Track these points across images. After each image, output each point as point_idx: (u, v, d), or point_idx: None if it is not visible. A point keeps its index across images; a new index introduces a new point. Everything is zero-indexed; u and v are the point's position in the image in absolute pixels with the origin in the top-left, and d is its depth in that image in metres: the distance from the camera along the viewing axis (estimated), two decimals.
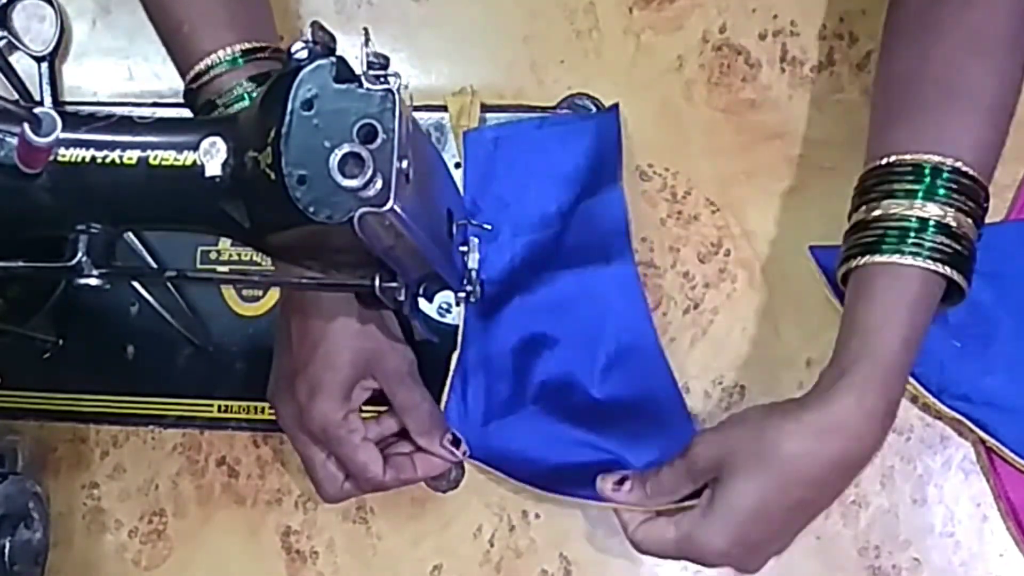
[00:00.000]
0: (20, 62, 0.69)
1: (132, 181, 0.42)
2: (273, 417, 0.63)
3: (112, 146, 0.42)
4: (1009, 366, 0.58)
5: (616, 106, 0.63)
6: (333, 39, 0.41)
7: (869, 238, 0.51)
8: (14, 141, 0.41)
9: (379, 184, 0.37)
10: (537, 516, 0.61)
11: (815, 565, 0.59)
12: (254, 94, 0.53)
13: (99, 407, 0.66)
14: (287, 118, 0.39)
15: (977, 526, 0.58)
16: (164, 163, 0.42)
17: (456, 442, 0.59)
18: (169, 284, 0.65)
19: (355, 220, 0.37)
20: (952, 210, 0.50)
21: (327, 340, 0.55)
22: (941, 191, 0.50)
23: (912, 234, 0.50)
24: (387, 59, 0.40)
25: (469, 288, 0.57)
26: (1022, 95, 0.53)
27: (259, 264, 0.65)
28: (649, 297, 0.61)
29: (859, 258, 0.51)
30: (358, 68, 0.39)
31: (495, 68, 0.66)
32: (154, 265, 0.65)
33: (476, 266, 0.56)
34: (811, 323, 0.61)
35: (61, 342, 0.66)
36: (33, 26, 0.70)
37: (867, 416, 0.49)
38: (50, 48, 0.68)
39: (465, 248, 0.56)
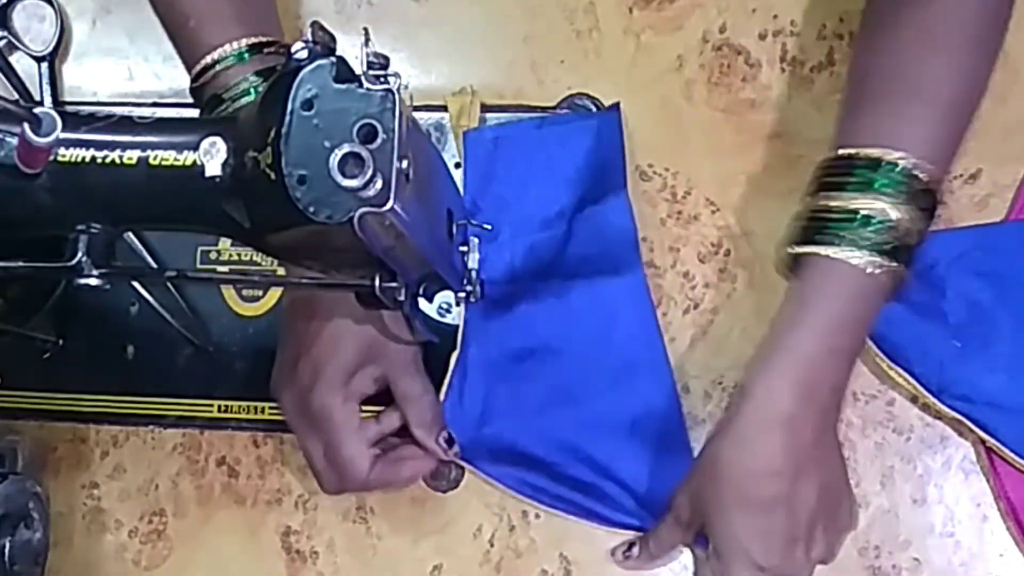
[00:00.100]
0: (20, 62, 0.69)
1: (132, 181, 0.42)
2: (273, 417, 0.63)
3: (112, 146, 0.42)
4: (1009, 366, 0.58)
5: (617, 105, 0.63)
6: (333, 39, 0.41)
7: (807, 227, 0.52)
8: (14, 141, 0.41)
9: (379, 184, 0.37)
10: (537, 516, 0.61)
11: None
12: (260, 88, 0.53)
13: (99, 407, 0.66)
14: (287, 118, 0.39)
15: (977, 526, 0.58)
16: (164, 163, 0.42)
17: (450, 441, 0.59)
18: (169, 284, 0.65)
19: (355, 220, 0.37)
20: (894, 204, 0.50)
21: (333, 323, 0.56)
22: (887, 186, 0.50)
23: (847, 226, 0.50)
24: (387, 59, 0.40)
25: (469, 288, 0.57)
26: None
27: (259, 264, 0.65)
28: None
29: (793, 246, 0.52)
30: (358, 68, 0.39)
31: (495, 68, 0.66)
32: (154, 265, 0.65)
33: (476, 266, 0.56)
34: None
35: (61, 342, 0.66)
36: (33, 26, 0.70)
37: (783, 405, 0.51)
38: (50, 48, 0.68)
39: (465, 248, 0.56)
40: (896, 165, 0.50)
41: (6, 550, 0.60)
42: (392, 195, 0.37)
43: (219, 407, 0.65)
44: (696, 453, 0.60)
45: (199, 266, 0.65)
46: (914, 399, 0.60)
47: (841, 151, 0.52)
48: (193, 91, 0.56)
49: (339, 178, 0.37)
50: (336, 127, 0.38)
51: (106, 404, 0.66)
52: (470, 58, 0.66)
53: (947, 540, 0.59)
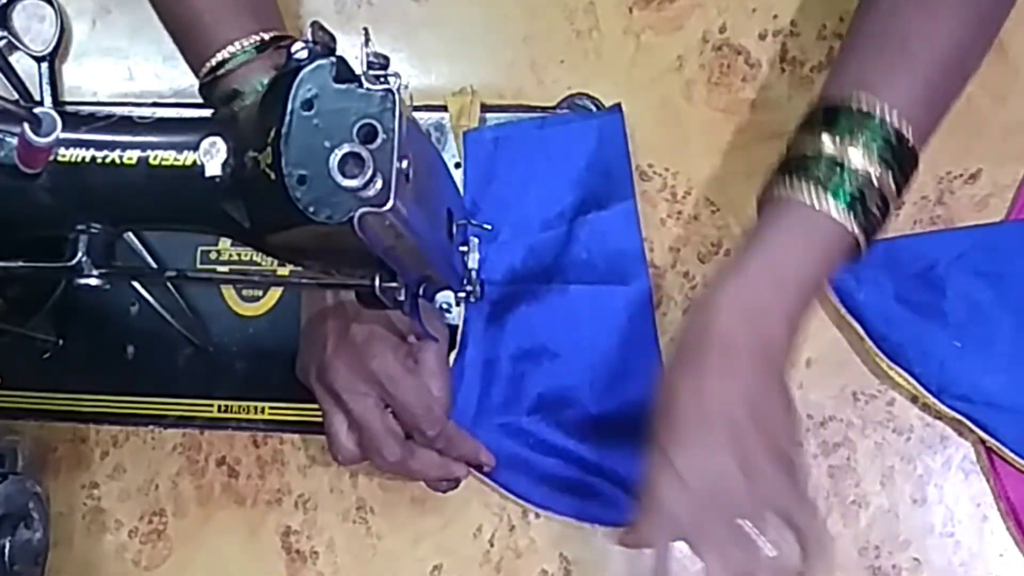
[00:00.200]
0: (20, 62, 0.69)
1: (132, 181, 0.42)
2: (273, 416, 0.64)
3: (112, 146, 0.42)
4: (1009, 366, 0.58)
5: (618, 106, 0.63)
6: (333, 39, 0.41)
7: (780, 167, 0.53)
8: (14, 141, 0.41)
9: (379, 184, 0.37)
10: (537, 516, 0.61)
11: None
12: None
13: (99, 407, 0.66)
14: (287, 118, 0.39)
15: (977, 526, 0.58)
16: (164, 163, 0.42)
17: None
18: (169, 284, 0.65)
19: (355, 220, 0.37)
20: (867, 155, 0.50)
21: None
22: (864, 137, 0.50)
23: (817, 170, 0.51)
24: (387, 59, 0.40)
25: (469, 288, 0.57)
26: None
27: (259, 264, 0.65)
28: None
29: (774, 182, 0.53)
30: (358, 68, 0.39)
31: (495, 68, 0.66)
32: (154, 265, 0.65)
33: (476, 266, 0.56)
34: (811, 323, 0.61)
35: (61, 342, 0.66)
36: (33, 26, 0.70)
37: (719, 324, 0.50)
38: (50, 48, 0.68)
39: (465, 248, 0.56)
40: (876, 117, 0.50)
41: (6, 550, 0.60)
42: (392, 195, 0.37)
43: (219, 407, 0.65)
44: None
45: (199, 266, 0.65)
46: (914, 399, 0.60)
47: (826, 98, 0.53)
48: (203, 88, 0.56)
49: (339, 178, 0.37)
50: (336, 127, 0.38)
51: (106, 404, 0.66)
52: (470, 58, 0.66)
53: (947, 540, 0.59)
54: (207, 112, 0.58)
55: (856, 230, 0.51)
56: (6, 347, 0.65)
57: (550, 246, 0.62)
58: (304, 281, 0.49)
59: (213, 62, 0.54)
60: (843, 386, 0.60)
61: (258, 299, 0.65)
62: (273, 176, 0.39)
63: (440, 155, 0.58)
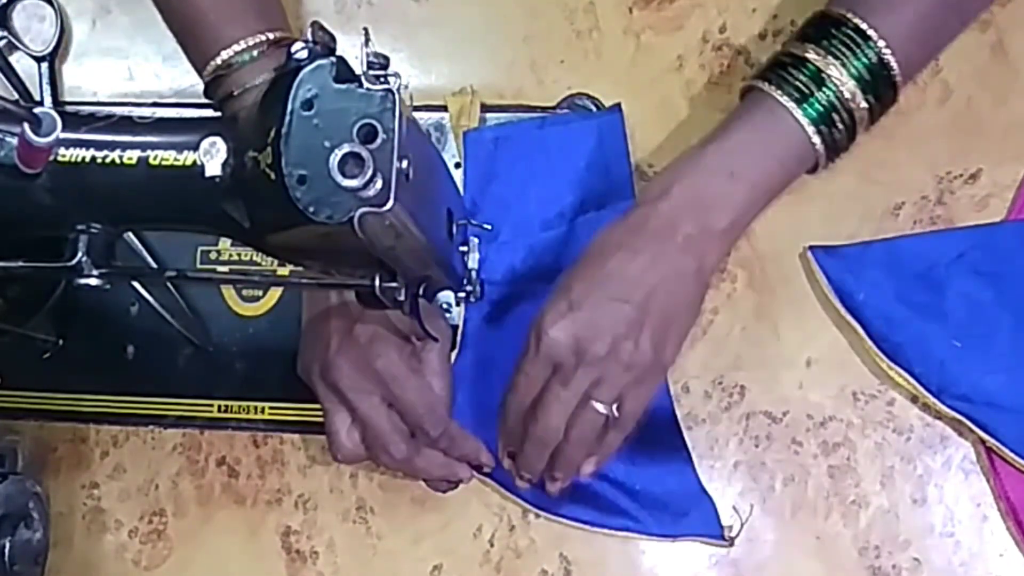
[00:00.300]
0: (20, 62, 0.69)
1: (132, 181, 0.42)
2: (273, 416, 0.64)
3: (112, 146, 0.42)
4: (1009, 366, 0.58)
5: (618, 106, 0.63)
6: (333, 39, 0.41)
7: (767, 66, 0.55)
8: (14, 141, 0.41)
9: (379, 184, 0.37)
10: (537, 516, 0.61)
11: (815, 565, 0.59)
12: None
13: (99, 407, 0.66)
14: (287, 118, 0.39)
15: (977, 526, 0.58)
16: (164, 163, 0.42)
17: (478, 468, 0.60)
18: (169, 284, 0.65)
19: (355, 220, 0.37)
20: (851, 76, 0.52)
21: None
22: (853, 57, 0.52)
23: (799, 77, 0.53)
24: (387, 59, 0.40)
25: (469, 288, 0.57)
26: None
27: (259, 264, 0.65)
28: None
29: (755, 79, 0.55)
30: (358, 68, 0.39)
31: (495, 68, 0.66)
32: (154, 265, 0.65)
33: (476, 266, 0.57)
34: (811, 323, 0.61)
35: (61, 342, 0.66)
36: (33, 26, 0.70)
37: (666, 202, 0.54)
38: (50, 48, 0.68)
39: (465, 248, 0.56)
40: (865, 39, 0.52)
41: (6, 550, 0.60)
42: (392, 195, 0.37)
43: (219, 407, 0.65)
44: (691, 451, 0.60)
45: (199, 266, 0.65)
46: (914, 399, 0.60)
47: (822, 13, 0.55)
48: (208, 87, 0.56)
49: (339, 178, 0.37)
50: (336, 127, 0.38)
51: (106, 404, 0.66)
52: (470, 58, 0.66)
53: (947, 540, 0.58)
54: (207, 112, 0.58)
55: (818, 144, 0.53)
56: (6, 347, 0.65)
57: (550, 246, 0.62)
58: (304, 281, 0.49)
59: (218, 60, 0.54)
60: (843, 386, 0.60)
61: (258, 299, 0.65)
62: (273, 176, 0.39)
63: (440, 155, 0.58)
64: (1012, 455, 0.57)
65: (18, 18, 0.70)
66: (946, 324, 0.58)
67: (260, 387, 0.64)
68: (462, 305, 0.61)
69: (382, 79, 0.39)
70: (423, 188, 0.42)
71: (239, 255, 0.65)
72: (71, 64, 0.70)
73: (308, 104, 0.39)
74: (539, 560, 0.61)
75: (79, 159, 0.42)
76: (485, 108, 0.64)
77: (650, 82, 0.64)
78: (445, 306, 0.62)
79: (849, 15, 0.53)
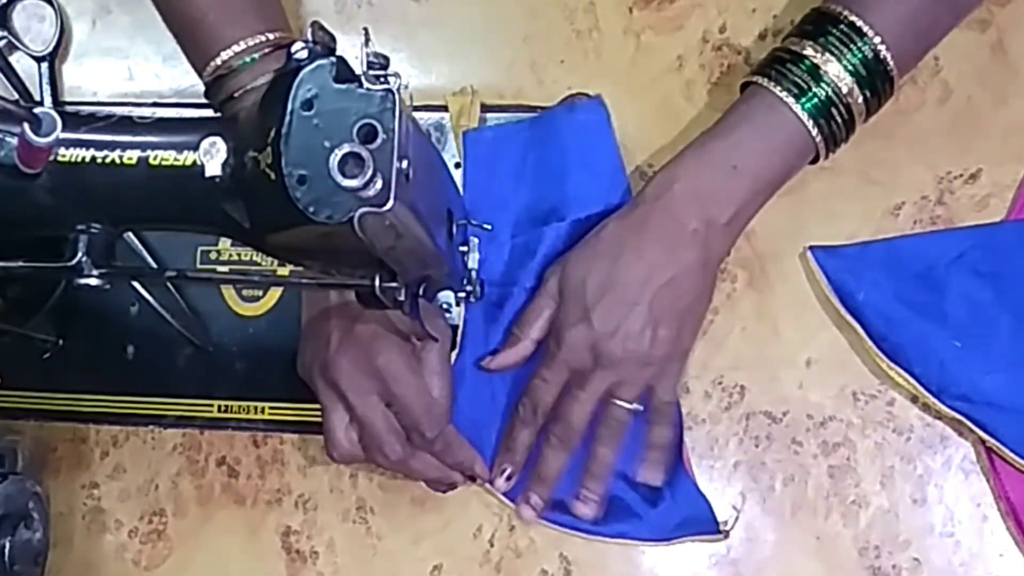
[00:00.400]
0: (20, 62, 0.69)
1: (132, 181, 0.42)
2: (273, 417, 0.63)
3: (112, 146, 0.42)
4: (1009, 366, 0.58)
5: (599, 97, 0.62)
6: (333, 39, 0.41)
7: (766, 61, 0.56)
8: (14, 141, 0.41)
9: (379, 184, 0.37)
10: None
11: (815, 565, 0.59)
12: None
13: (99, 407, 0.66)
14: (287, 118, 0.38)
15: (977, 526, 0.58)
16: (164, 163, 0.42)
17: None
18: (169, 284, 0.65)
19: (355, 220, 0.37)
20: (847, 71, 0.53)
21: None
22: (850, 53, 0.53)
23: (798, 72, 0.54)
24: (387, 59, 0.40)
25: (469, 288, 0.57)
26: None
27: (259, 264, 0.65)
28: None
29: (754, 74, 0.56)
30: (358, 68, 0.39)
31: (495, 68, 0.66)
32: (154, 265, 0.65)
33: (476, 266, 0.56)
34: (811, 323, 0.61)
35: (61, 342, 0.66)
36: (33, 26, 0.70)
37: (669, 199, 0.56)
38: (50, 48, 0.68)
39: (465, 248, 0.56)
40: (860, 35, 0.53)
41: (6, 550, 0.60)
42: (392, 195, 0.37)
43: (219, 407, 0.65)
44: (691, 451, 0.60)
45: (199, 266, 0.65)
46: (914, 399, 0.60)
47: (818, 9, 0.56)
48: (210, 88, 0.56)
49: (339, 178, 0.37)
50: (336, 127, 0.38)
51: (106, 404, 0.66)
52: (470, 58, 0.66)
53: (947, 540, 0.58)
54: (207, 112, 0.58)
55: (818, 138, 0.55)
56: (6, 347, 0.65)
57: (550, 245, 0.62)
58: (304, 281, 0.49)
59: (219, 60, 0.54)
60: (843, 386, 0.60)
61: (258, 299, 0.65)
62: (273, 176, 0.39)
63: (440, 155, 0.58)
64: (1012, 455, 0.57)
65: (18, 18, 0.70)
66: (946, 324, 0.58)
67: (260, 387, 0.64)
68: (462, 305, 0.61)
69: (382, 79, 0.39)
70: (423, 188, 0.42)
71: (239, 255, 0.65)
72: (71, 64, 0.70)
73: (308, 104, 0.39)
74: (539, 560, 0.61)
75: (79, 159, 0.42)
76: (485, 108, 0.64)
77: (650, 82, 0.64)
78: (445, 306, 0.62)
79: (844, 12, 0.54)
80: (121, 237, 0.47)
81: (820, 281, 0.60)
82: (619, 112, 0.62)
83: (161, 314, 0.65)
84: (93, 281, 0.45)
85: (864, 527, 0.59)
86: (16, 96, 0.68)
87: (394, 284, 0.45)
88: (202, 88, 0.57)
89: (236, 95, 0.54)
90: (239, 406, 0.64)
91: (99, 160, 0.42)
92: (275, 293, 0.65)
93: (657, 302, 0.55)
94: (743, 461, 0.60)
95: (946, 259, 0.59)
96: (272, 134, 0.39)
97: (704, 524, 0.59)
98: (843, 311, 0.59)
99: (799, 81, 0.54)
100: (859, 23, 0.53)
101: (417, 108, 0.64)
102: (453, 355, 0.61)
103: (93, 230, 0.44)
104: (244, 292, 0.65)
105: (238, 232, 0.43)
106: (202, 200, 0.42)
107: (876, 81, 0.54)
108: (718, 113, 0.63)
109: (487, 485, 0.61)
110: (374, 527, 0.63)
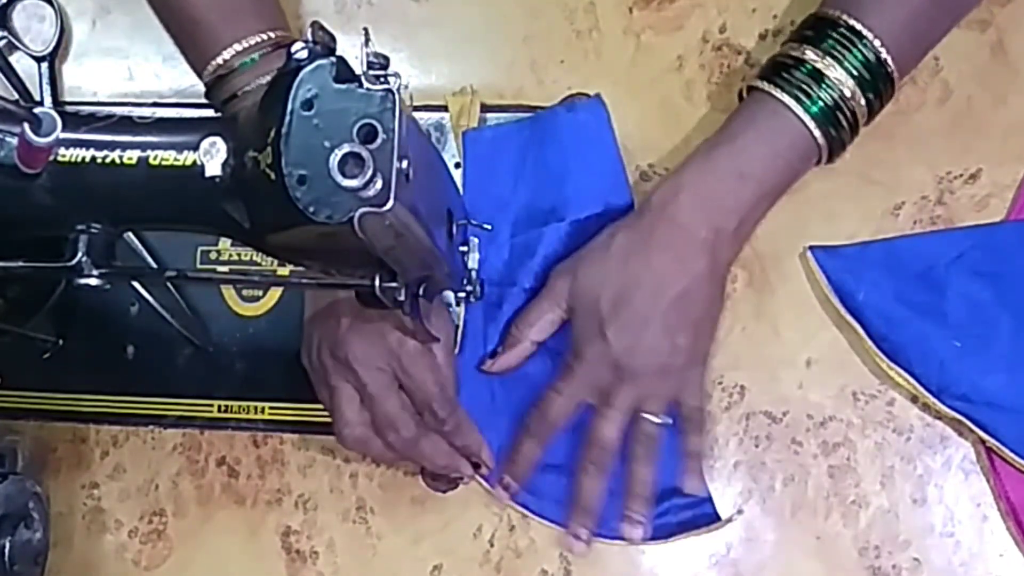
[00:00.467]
0: (20, 62, 0.69)
1: (132, 181, 0.42)
2: (273, 416, 0.63)
3: (112, 146, 0.42)
4: (1009, 366, 0.58)
5: (598, 96, 0.62)
6: (333, 39, 0.41)
7: (766, 67, 0.56)
8: (14, 141, 0.41)
9: (379, 184, 0.37)
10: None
11: (815, 565, 0.59)
12: None
13: (99, 407, 0.66)
14: (287, 118, 0.38)
15: (977, 526, 0.58)
16: (164, 163, 0.42)
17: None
18: (169, 284, 0.65)
19: (355, 220, 0.37)
20: (848, 73, 0.53)
21: None
22: (850, 55, 0.54)
23: (800, 77, 0.54)
24: (387, 59, 0.40)
25: (469, 288, 0.57)
26: None
27: (259, 264, 0.65)
28: None
29: (755, 80, 0.56)
30: (358, 68, 0.39)
31: (495, 68, 0.66)
32: (154, 265, 0.65)
33: (476, 266, 0.56)
34: (811, 323, 0.61)
35: (61, 342, 0.66)
36: (33, 26, 0.70)
37: (676, 208, 0.55)
38: (50, 48, 0.68)
39: (465, 248, 0.56)
40: (860, 37, 0.53)
41: (6, 550, 0.60)
42: (392, 195, 0.37)
43: (219, 407, 0.65)
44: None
45: (199, 266, 0.65)
46: (914, 399, 0.60)
47: (817, 14, 0.56)
48: (209, 88, 0.55)
49: (339, 178, 0.37)
50: (336, 127, 0.38)
51: (106, 404, 0.66)
52: (470, 58, 0.66)
53: (947, 540, 0.58)
54: (207, 112, 0.58)
55: (823, 141, 0.55)
56: (6, 347, 0.65)
57: (550, 245, 0.62)
58: (304, 281, 0.49)
59: (219, 60, 0.54)
60: (843, 386, 0.60)
61: (258, 299, 0.65)
62: (273, 176, 0.39)
63: (440, 155, 0.58)
64: (1012, 455, 0.57)
65: (18, 18, 0.70)
66: (946, 324, 0.58)
67: (260, 387, 0.64)
68: (462, 305, 0.61)
69: (382, 79, 0.39)
70: (423, 188, 0.42)
71: (239, 255, 0.65)
72: (71, 64, 0.70)
73: (308, 104, 0.39)
74: (539, 560, 0.61)
75: (79, 159, 0.42)
76: (485, 108, 0.64)
77: (650, 82, 0.64)
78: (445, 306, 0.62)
79: (843, 16, 0.54)
80: (121, 237, 0.47)
81: (820, 281, 0.60)
82: (619, 112, 0.62)
83: (161, 314, 0.65)
84: (93, 281, 0.45)
85: (864, 527, 0.59)
86: (16, 96, 0.68)
87: (394, 284, 0.45)
88: (202, 88, 0.57)
89: (238, 94, 0.54)
90: (239, 406, 0.64)
91: (99, 160, 0.42)
92: (275, 293, 0.65)
93: (671, 313, 0.55)
94: (743, 461, 0.60)
95: (946, 259, 0.59)
96: (272, 134, 0.39)
97: (704, 518, 0.59)
98: (843, 311, 0.59)
99: (802, 85, 0.54)
100: (859, 27, 0.54)
101: (417, 108, 0.64)
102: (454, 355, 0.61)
103: (93, 230, 0.44)
104: (244, 292, 0.66)
105: (238, 232, 0.43)
106: (202, 200, 0.42)
107: (878, 83, 0.54)
108: (718, 113, 0.63)
109: (490, 487, 0.61)
110: (374, 527, 0.63)
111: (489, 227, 0.60)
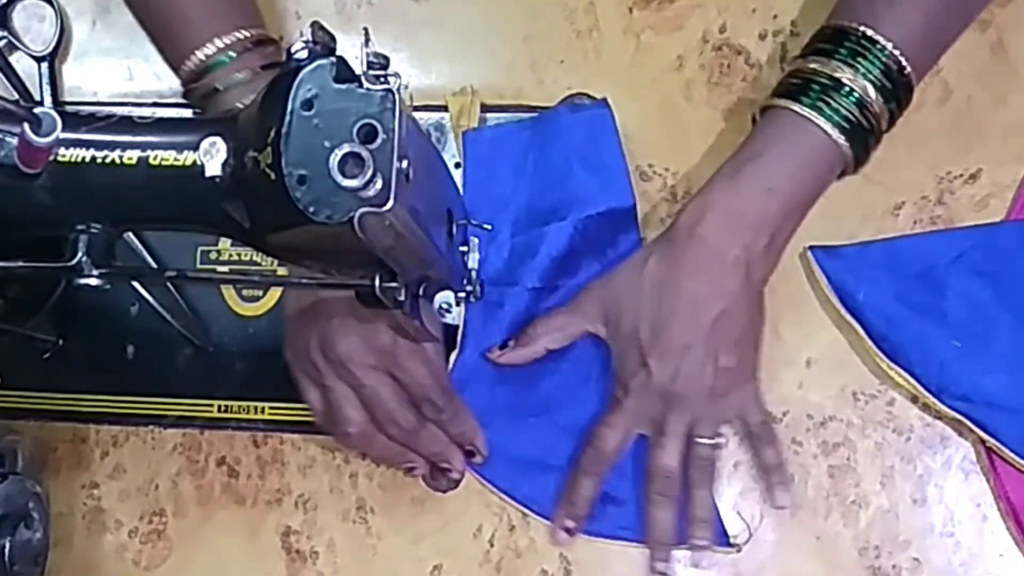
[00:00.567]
0: (20, 62, 0.69)
1: (132, 181, 0.42)
2: (273, 416, 0.63)
3: (112, 146, 0.42)
4: (1009, 366, 0.58)
5: (605, 100, 0.62)
6: (333, 39, 0.41)
7: (784, 83, 0.56)
8: (14, 141, 0.41)
9: (379, 184, 0.37)
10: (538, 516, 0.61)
11: (815, 565, 0.59)
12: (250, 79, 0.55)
13: (99, 407, 0.66)
14: (287, 118, 0.38)
15: (977, 526, 0.58)
16: (164, 163, 0.42)
17: (470, 453, 0.60)
18: (169, 284, 0.65)
19: (355, 220, 0.37)
20: (869, 81, 0.53)
21: None
22: (867, 63, 0.53)
23: (820, 90, 0.54)
24: (387, 59, 0.40)
25: (469, 288, 0.57)
26: None
27: (259, 264, 0.65)
28: None
29: (772, 98, 0.55)
30: (358, 68, 0.39)
31: (495, 68, 0.66)
32: (154, 265, 0.65)
33: (476, 266, 0.56)
34: (811, 323, 0.61)
35: (61, 342, 0.66)
36: (33, 26, 0.70)
37: (705, 228, 0.55)
38: (50, 48, 0.68)
39: (465, 248, 0.56)
40: (876, 45, 0.53)
41: (6, 550, 0.60)
42: (392, 195, 0.37)
43: (219, 407, 0.65)
44: None
45: (199, 266, 0.65)
46: (914, 399, 0.60)
47: (831, 24, 0.55)
48: (184, 84, 0.56)
49: (339, 178, 0.37)
50: (336, 127, 0.38)
51: (106, 404, 0.66)
52: (470, 58, 0.66)
53: (947, 540, 0.59)
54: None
55: (848, 151, 0.54)
56: (6, 347, 0.65)
57: (552, 244, 0.62)
58: (304, 281, 0.49)
59: (201, 55, 0.54)
60: (843, 386, 0.60)
61: (258, 299, 0.65)
62: (273, 176, 0.39)
63: (440, 155, 0.58)
64: (1012, 455, 0.57)
65: (18, 18, 0.70)
66: (946, 324, 0.58)
67: (260, 387, 0.64)
68: (462, 305, 0.61)
69: (382, 79, 0.39)
70: (423, 188, 0.42)
71: (239, 255, 0.65)
72: (71, 64, 0.70)
73: (308, 104, 0.39)
74: (539, 560, 0.61)
75: (79, 159, 0.42)
76: (485, 108, 0.64)
77: (650, 82, 0.64)
78: (445, 306, 0.62)
79: (859, 27, 0.54)
80: (121, 237, 0.47)
81: (820, 281, 0.60)
82: (619, 112, 0.62)
83: (161, 314, 0.65)
84: (93, 281, 0.45)
85: (864, 527, 0.59)
86: (16, 96, 0.68)
87: (394, 284, 0.45)
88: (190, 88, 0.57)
89: (217, 91, 0.54)
90: (239, 406, 0.64)
91: (99, 160, 0.42)
92: (275, 293, 0.65)
93: (711, 337, 0.55)
94: (743, 461, 0.60)
95: (946, 259, 0.59)
96: (272, 134, 0.39)
97: (713, 535, 0.59)
98: (843, 311, 0.59)
99: (822, 96, 0.53)
100: (875, 35, 0.53)
101: (417, 108, 0.64)
102: (453, 355, 0.61)
103: (93, 230, 0.44)
104: (244, 292, 0.66)
105: (238, 232, 0.43)
106: (202, 200, 0.42)
107: (898, 90, 0.54)
108: (718, 113, 0.63)
109: (487, 484, 0.61)
110: (374, 527, 0.63)
111: (489, 227, 0.60)
